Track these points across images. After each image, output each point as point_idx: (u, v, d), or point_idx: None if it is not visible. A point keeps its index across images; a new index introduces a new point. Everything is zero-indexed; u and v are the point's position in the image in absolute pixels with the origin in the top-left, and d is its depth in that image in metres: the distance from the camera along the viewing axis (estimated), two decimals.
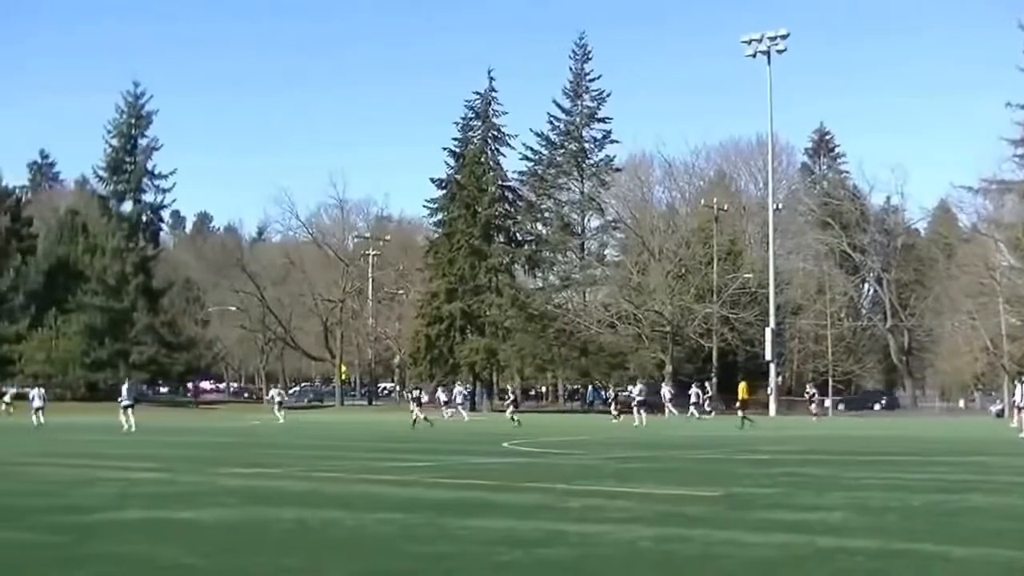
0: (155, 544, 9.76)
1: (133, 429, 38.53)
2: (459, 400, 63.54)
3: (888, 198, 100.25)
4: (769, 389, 77.27)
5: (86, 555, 9.19)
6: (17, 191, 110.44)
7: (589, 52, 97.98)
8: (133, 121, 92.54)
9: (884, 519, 11.70)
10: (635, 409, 50.55)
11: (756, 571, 8.52)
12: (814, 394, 68.46)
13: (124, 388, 42.23)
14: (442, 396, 65.36)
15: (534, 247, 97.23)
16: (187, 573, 8.47)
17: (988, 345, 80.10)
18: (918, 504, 13.47)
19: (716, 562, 8.87)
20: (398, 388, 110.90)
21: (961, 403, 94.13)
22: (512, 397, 55.69)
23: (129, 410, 40.09)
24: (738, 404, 48.76)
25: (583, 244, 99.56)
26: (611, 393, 64.38)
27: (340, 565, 8.66)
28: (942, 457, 24.27)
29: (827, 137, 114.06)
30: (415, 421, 45.34)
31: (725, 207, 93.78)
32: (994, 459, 24.15)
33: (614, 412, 56.06)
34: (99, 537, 10.30)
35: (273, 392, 48.97)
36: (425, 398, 58.04)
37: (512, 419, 46.86)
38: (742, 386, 52.33)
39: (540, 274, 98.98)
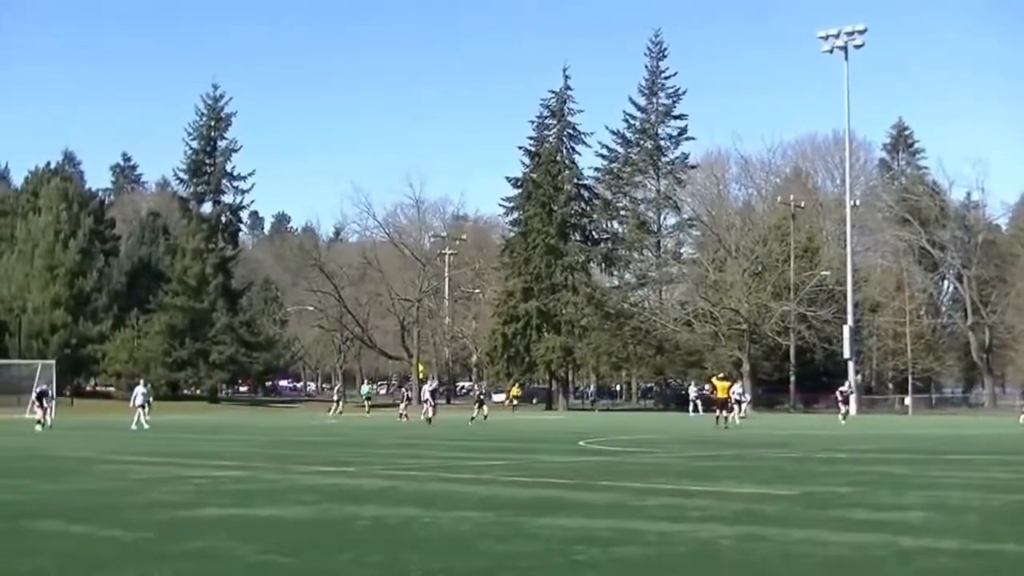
0: (238, 540, 9.92)
1: (135, 428, 40.93)
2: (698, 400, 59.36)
3: (968, 193, 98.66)
4: (849, 387, 76.33)
5: (171, 551, 9.37)
6: (100, 193, 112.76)
7: (664, 49, 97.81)
8: (212, 123, 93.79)
9: (964, 519, 11.57)
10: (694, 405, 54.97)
11: (835, 571, 8.48)
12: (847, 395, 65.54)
13: (141, 389, 45.03)
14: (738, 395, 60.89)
15: (610, 245, 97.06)
16: (271, 569, 8.61)
17: None
18: (999, 504, 13.30)
19: (794, 561, 8.84)
20: (475, 387, 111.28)
21: None
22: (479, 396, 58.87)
23: (141, 410, 43.18)
24: (716, 403, 46.37)
25: (659, 242, 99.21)
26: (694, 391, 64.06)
27: (419, 563, 8.75)
28: (1023, 456, 23.88)
29: (906, 132, 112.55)
30: (338, 414, 46.24)
31: (802, 204, 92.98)
32: None
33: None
34: (183, 533, 10.49)
35: (425, 388, 50.73)
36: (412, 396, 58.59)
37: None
38: (721, 385, 47.57)
39: (616, 272, 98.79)
